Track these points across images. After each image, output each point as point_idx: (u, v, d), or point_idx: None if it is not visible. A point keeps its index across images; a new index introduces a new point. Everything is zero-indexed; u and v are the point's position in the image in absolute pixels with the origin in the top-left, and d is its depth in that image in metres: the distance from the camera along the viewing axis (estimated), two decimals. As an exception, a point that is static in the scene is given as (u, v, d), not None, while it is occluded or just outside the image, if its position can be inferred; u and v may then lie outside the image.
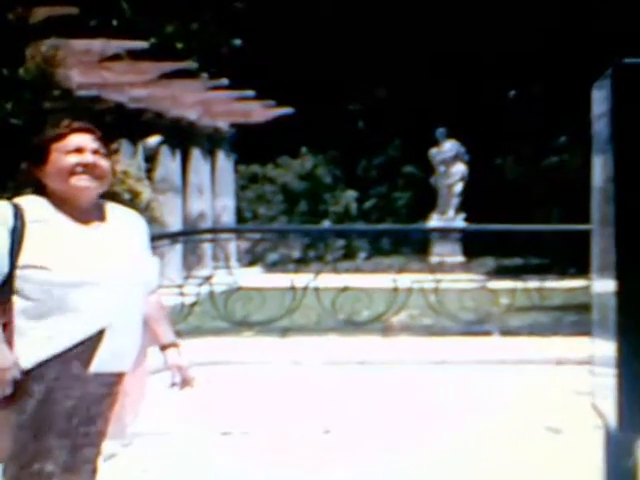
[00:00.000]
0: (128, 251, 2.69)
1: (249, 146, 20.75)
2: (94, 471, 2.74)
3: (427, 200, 20.36)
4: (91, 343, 2.60)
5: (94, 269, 2.60)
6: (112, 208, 2.80)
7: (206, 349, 7.88)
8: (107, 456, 2.77)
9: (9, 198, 2.71)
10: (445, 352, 7.80)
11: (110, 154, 2.84)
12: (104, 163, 2.74)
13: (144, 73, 13.20)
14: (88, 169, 2.69)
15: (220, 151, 18.55)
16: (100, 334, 2.60)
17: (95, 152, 2.73)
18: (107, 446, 2.80)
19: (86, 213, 2.70)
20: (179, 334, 9.66)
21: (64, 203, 2.68)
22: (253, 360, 7.53)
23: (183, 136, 16.43)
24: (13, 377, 2.55)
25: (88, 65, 11.82)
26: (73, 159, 2.70)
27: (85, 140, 2.73)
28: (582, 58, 15.42)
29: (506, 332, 8.76)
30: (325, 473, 4.48)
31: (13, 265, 2.60)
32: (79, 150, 2.72)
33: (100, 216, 2.73)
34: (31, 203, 2.67)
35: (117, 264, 2.65)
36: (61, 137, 2.72)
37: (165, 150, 15.84)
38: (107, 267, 2.63)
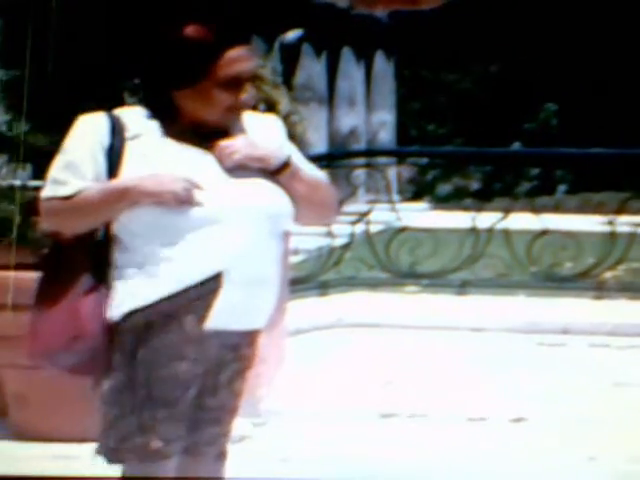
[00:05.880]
0: (256, 176, 2.66)
1: (416, 43, 20.57)
2: (220, 456, 2.78)
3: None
4: (205, 292, 2.60)
5: (208, 199, 2.60)
6: (241, 118, 2.75)
7: (360, 307, 8.00)
8: (236, 438, 2.81)
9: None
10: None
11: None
12: (251, 94, 2.68)
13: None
14: (241, 109, 2.64)
15: (378, 50, 18.48)
16: (217, 281, 2.60)
17: (248, 80, 2.62)
18: (236, 426, 2.82)
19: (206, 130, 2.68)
20: (325, 286, 9.73)
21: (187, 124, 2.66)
22: (420, 323, 7.58)
23: (330, 30, 16.44)
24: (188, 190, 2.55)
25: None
26: (228, 98, 2.60)
27: (244, 63, 2.60)
28: None
29: None
30: (519, 467, 4.43)
31: None
32: (237, 82, 2.60)
33: (223, 131, 2.69)
34: (134, 115, 2.67)
35: (239, 193, 2.63)
36: (216, 56, 2.58)
37: (307, 49, 15.91)
38: (225, 197, 2.61)
